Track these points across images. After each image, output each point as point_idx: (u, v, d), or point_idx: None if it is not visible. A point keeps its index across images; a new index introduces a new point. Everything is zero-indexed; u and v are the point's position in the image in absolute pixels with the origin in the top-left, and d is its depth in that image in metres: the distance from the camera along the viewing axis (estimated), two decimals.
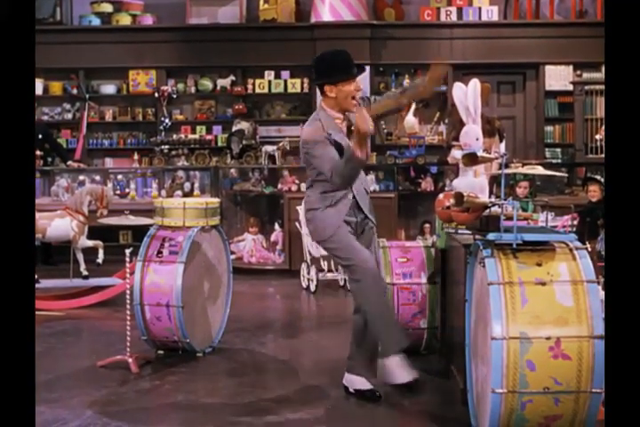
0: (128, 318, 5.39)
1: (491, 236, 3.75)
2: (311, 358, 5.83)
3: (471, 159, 3.79)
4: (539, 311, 3.65)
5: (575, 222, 7.49)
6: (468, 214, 3.91)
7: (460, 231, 4.65)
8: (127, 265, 5.42)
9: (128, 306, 5.44)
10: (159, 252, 5.57)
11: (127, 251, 5.39)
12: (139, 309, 5.54)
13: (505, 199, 3.79)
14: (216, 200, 5.93)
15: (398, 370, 4.46)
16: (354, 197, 4.63)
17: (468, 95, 4.63)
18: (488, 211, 3.96)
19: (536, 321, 3.63)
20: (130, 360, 5.31)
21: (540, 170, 3.91)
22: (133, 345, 5.38)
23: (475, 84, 4.64)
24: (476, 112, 4.62)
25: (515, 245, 3.76)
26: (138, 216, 5.82)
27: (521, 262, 3.76)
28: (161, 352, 5.75)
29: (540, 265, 3.75)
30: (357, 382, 4.79)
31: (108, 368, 5.34)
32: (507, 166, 4.06)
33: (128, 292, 5.49)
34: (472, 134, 4.56)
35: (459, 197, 3.77)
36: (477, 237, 3.98)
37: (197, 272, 5.70)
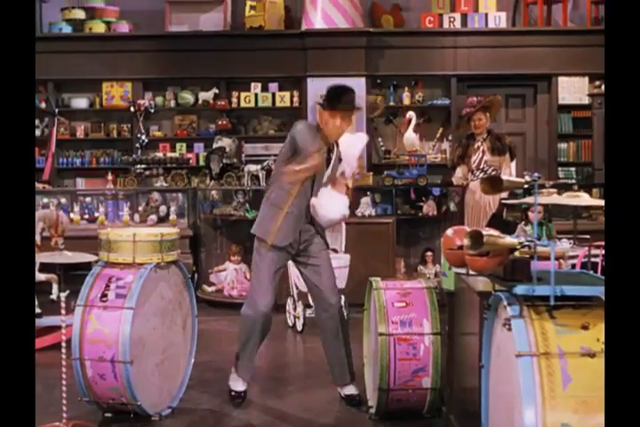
0: (64, 376, 4.39)
1: (519, 289, 2.75)
2: (292, 422, 4.80)
3: (493, 185, 2.78)
4: (587, 394, 2.65)
5: (599, 252, 6.50)
6: (488, 259, 2.88)
7: (472, 272, 3.66)
8: (62, 312, 4.42)
9: (64, 362, 4.44)
10: (104, 295, 4.58)
11: (62, 294, 4.39)
12: (78, 365, 4.54)
13: (538, 238, 2.78)
14: (174, 231, 4.91)
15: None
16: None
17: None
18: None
19: (584, 408, 2.63)
20: None
21: (585, 199, 2.90)
22: (76, 406, 4.45)
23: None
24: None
25: (552, 301, 2.77)
26: None
27: (560, 325, 2.77)
28: (108, 415, 4.76)
29: (586, 328, 2.77)
30: None
31: None
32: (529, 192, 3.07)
33: (64, 344, 4.48)
34: None
35: (476, 236, 2.75)
36: (499, 287, 2.99)
37: (151, 319, 4.69)
